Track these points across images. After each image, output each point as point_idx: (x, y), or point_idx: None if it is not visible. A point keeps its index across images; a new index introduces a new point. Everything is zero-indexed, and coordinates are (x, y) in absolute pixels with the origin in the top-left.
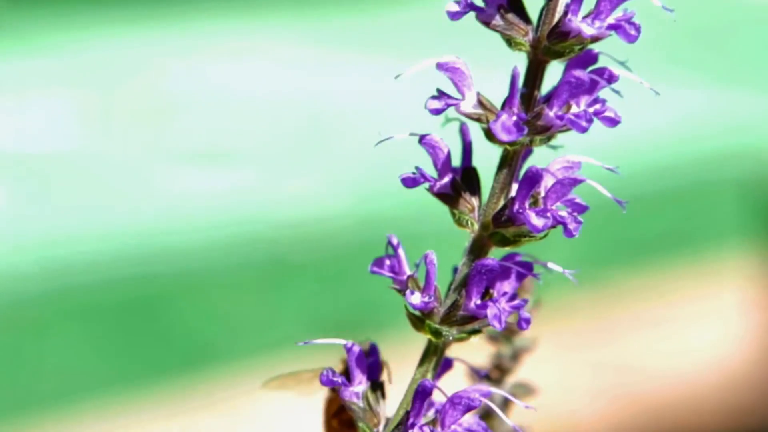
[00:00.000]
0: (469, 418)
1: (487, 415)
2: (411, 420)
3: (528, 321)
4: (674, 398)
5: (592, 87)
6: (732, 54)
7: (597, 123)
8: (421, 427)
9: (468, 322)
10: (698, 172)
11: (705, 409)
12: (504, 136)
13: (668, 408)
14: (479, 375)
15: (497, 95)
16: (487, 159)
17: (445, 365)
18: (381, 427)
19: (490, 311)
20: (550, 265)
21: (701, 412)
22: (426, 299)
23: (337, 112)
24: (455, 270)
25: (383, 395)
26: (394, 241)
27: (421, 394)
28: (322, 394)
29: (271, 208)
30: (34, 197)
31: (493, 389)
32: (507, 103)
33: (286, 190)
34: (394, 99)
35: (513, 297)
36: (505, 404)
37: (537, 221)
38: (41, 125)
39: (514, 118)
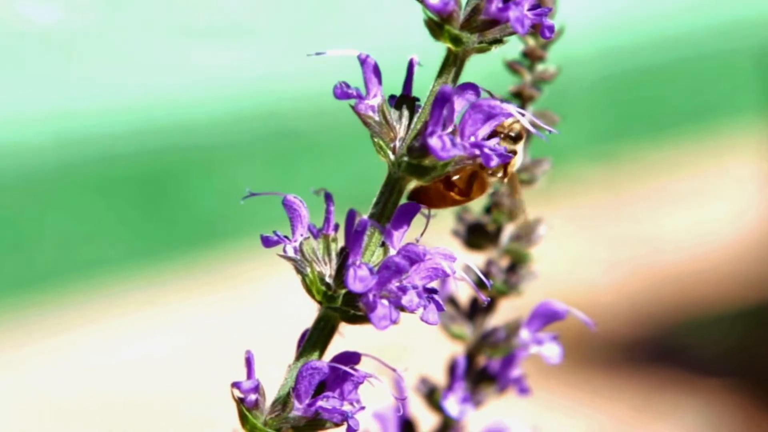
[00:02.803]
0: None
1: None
2: (430, 129)
3: (551, 29)
4: (690, 269)
5: None
6: None
7: None
8: (440, 136)
9: (489, 28)
10: (714, 42)
11: (720, 280)
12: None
13: (683, 279)
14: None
15: None
16: None
17: (466, 87)
18: (398, 142)
19: (513, 13)
20: None
21: (716, 283)
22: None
23: None
24: None
25: (409, 109)
26: None
27: (440, 102)
28: None
29: (282, 81)
30: (49, 72)
31: (512, 107)
32: None
33: (296, 64)
34: None
35: (535, 6)
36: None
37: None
38: (54, 1)
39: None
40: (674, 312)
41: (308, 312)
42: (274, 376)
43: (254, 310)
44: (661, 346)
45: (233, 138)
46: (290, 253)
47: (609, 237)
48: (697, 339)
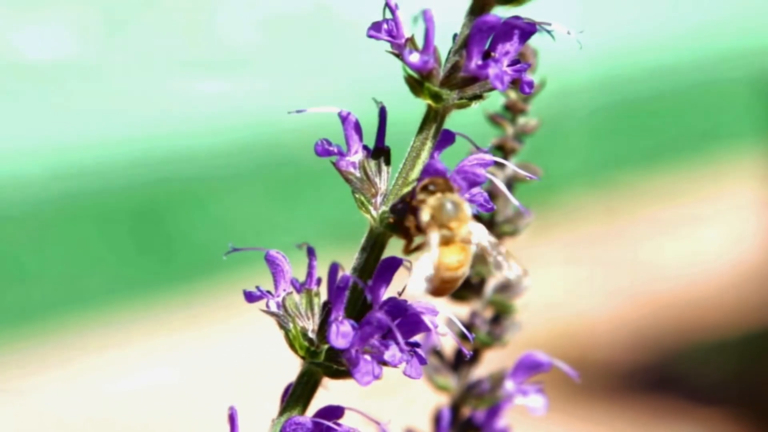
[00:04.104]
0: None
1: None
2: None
3: (531, 84)
4: (689, 296)
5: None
6: None
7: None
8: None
9: (469, 84)
10: (711, 70)
11: (719, 307)
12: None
13: (683, 306)
14: (483, 152)
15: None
16: None
17: (446, 138)
18: (379, 198)
19: (492, 70)
20: (554, 25)
21: (716, 310)
22: (425, 58)
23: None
24: (455, 37)
25: (387, 162)
26: (392, 3)
27: (423, 170)
28: None
29: (280, 112)
30: (47, 104)
31: (498, 159)
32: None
33: (297, 94)
34: None
35: (515, 62)
36: (510, 184)
37: None
38: (53, 34)
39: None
40: (674, 339)
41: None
42: (270, 409)
43: (251, 339)
44: (660, 373)
45: (231, 169)
46: (273, 308)
47: (607, 265)
48: (697, 366)
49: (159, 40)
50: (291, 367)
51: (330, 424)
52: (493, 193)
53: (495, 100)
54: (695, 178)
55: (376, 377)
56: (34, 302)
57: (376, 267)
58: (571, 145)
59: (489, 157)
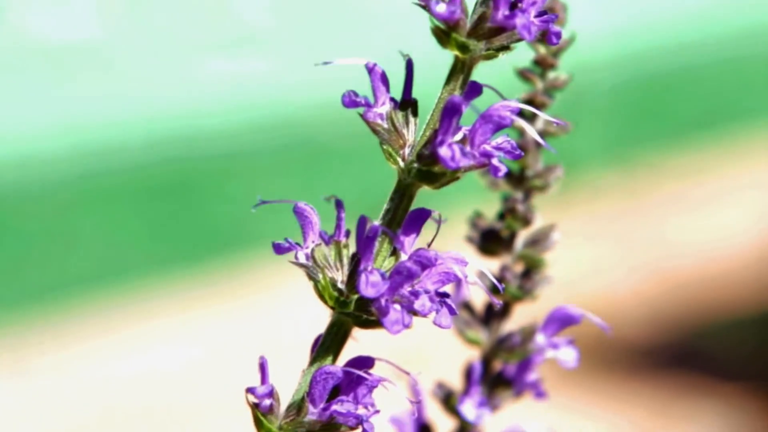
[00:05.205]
0: (500, 139)
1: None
2: (439, 138)
3: (558, 35)
4: (709, 274)
5: None
6: None
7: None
8: (450, 145)
9: (496, 35)
10: (730, 47)
11: (739, 284)
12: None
13: (703, 283)
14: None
15: None
16: None
17: (473, 89)
18: (407, 149)
19: (519, 20)
20: None
21: (736, 287)
22: (452, 8)
23: None
24: None
25: (414, 114)
26: None
27: (449, 111)
28: None
29: (299, 91)
30: (66, 85)
31: (525, 106)
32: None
33: (314, 71)
34: None
35: (542, 13)
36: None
37: None
38: (71, 15)
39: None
40: (694, 316)
41: (325, 318)
42: (292, 382)
43: (272, 317)
44: (680, 350)
45: (250, 147)
46: (302, 259)
47: (627, 242)
48: (717, 343)
49: (176, 20)
50: (308, 342)
51: (361, 373)
52: (522, 147)
53: (523, 55)
54: (717, 156)
55: (406, 326)
56: (53, 282)
57: (405, 218)
58: (592, 122)
59: (515, 103)
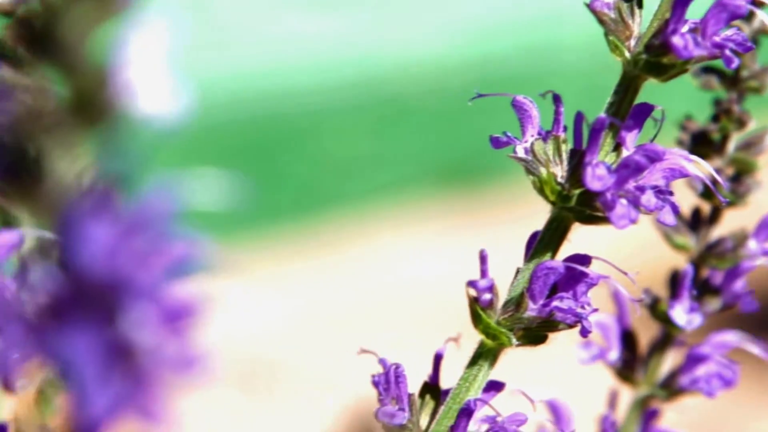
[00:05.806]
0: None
1: None
2: (671, 27)
3: None
4: None
5: None
6: None
7: None
8: (682, 35)
9: None
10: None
11: None
12: None
13: None
14: None
15: None
16: None
17: None
18: (633, 40)
19: None
20: None
21: None
22: None
23: None
24: None
25: (639, 5)
26: None
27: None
28: None
29: (384, 49)
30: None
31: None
32: None
33: (398, 31)
34: None
35: None
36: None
37: None
38: None
39: None
40: None
41: (405, 278)
42: (389, 339)
43: (359, 277)
44: None
45: (337, 104)
46: (521, 153)
47: None
48: None
49: None
50: (384, 305)
51: (583, 269)
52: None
53: None
54: None
55: (633, 221)
56: None
57: (629, 111)
58: None
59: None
